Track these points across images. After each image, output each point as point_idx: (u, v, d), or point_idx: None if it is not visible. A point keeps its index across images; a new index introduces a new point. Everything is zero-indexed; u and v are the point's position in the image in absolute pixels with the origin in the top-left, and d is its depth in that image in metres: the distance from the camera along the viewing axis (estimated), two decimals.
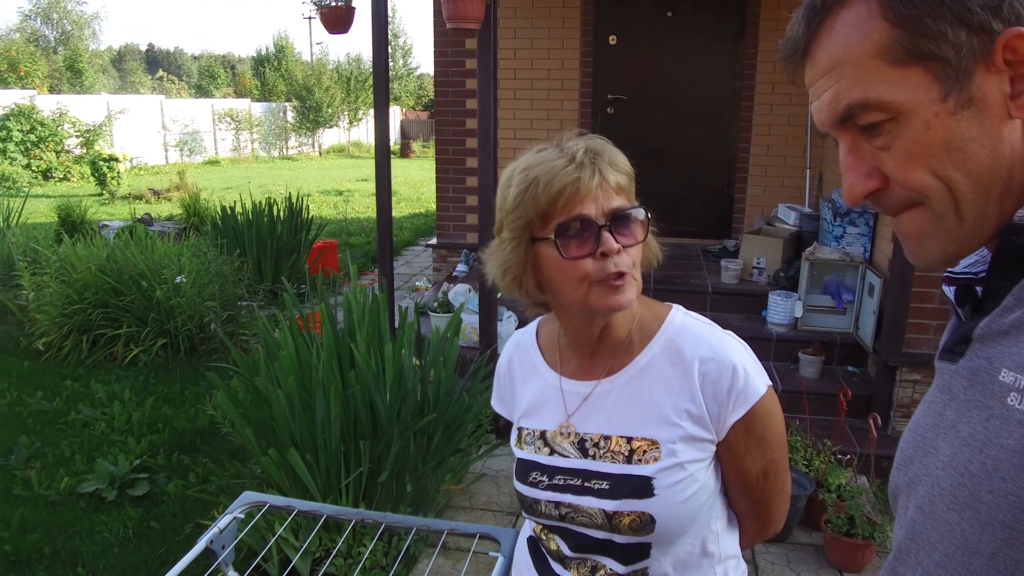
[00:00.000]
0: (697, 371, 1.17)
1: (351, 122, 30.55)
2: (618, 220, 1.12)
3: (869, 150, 0.68)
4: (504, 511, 3.58)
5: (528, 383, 1.34)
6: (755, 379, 1.17)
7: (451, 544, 3.28)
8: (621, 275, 1.12)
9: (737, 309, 5.10)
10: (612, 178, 1.13)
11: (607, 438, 1.21)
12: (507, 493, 3.73)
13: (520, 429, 1.33)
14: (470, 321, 4.62)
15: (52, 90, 28.72)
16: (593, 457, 1.21)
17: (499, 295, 4.50)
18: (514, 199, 1.14)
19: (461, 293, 5.22)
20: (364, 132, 31.35)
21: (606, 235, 1.11)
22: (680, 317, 1.24)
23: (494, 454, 3.94)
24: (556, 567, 1.27)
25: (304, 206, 7.96)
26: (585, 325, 1.22)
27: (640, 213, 1.15)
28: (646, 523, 1.15)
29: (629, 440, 1.19)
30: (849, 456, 3.58)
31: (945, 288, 0.75)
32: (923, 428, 0.73)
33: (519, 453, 1.31)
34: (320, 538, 3.13)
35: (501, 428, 4.19)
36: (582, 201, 1.11)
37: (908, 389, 4.10)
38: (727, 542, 1.26)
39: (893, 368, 4.10)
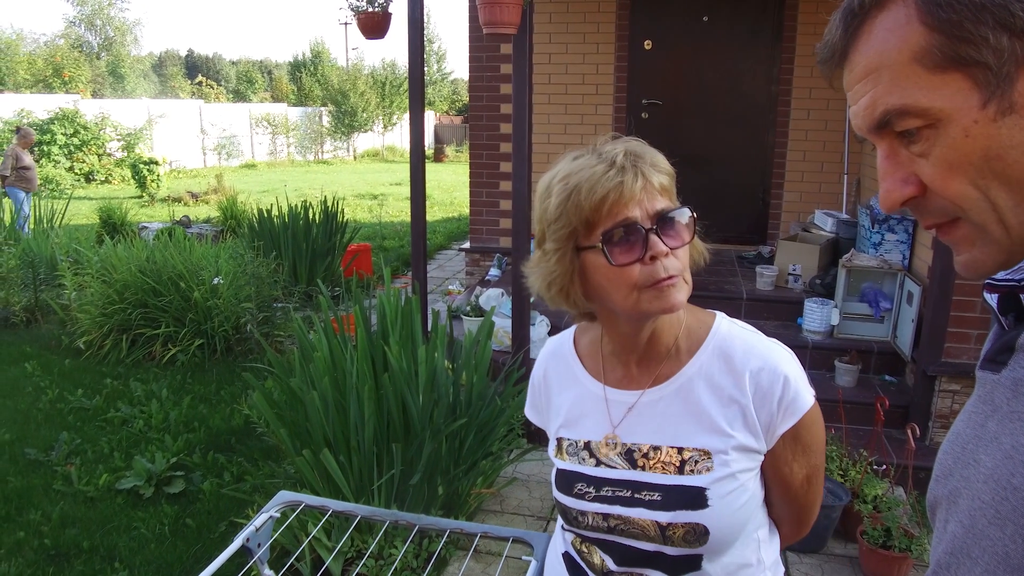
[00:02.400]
0: (749, 381, 1.15)
1: (385, 127, 30.83)
2: (664, 222, 1.11)
3: (907, 156, 0.66)
4: (535, 516, 3.57)
5: (566, 392, 1.31)
6: (804, 389, 1.17)
7: (481, 547, 3.28)
8: (670, 277, 1.11)
9: (772, 316, 5.05)
10: (655, 179, 1.11)
11: (656, 448, 1.19)
12: (538, 498, 3.73)
13: (560, 439, 1.30)
14: (502, 325, 4.63)
15: (95, 95, 29.37)
16: (643, 468, 1.19)
17: (532, 299, 4.51)
18: (556, 209, 1.12)
19: (493, 297, 5.23)
20: (398, 137, 31.60)
21: (653, 239, 1.09)
22: (726, 325, 1.22)
23: (525, 459, 3.94)
24: None
25: (339, 210, 8.04)
26: (633, 332, 1.20)
27: (686, 214, 1.13)
28: (700, 534, 1.14)
29: (680, 450, 1.17)
30: (885, 467, 3.53)
31: (987, 295, 0.73)
32: (963, 439, 0.71)
33: (560, 464, 1.28)
34: (352, 539, 3.15)
35: (533, 433, 4.18)
36: (626, 206, 1.09)
37: (947, 399, 4.02)
38: (769, 549, 1.26)
39: (932, 378, 4.03)
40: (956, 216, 0.66)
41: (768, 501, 1.25)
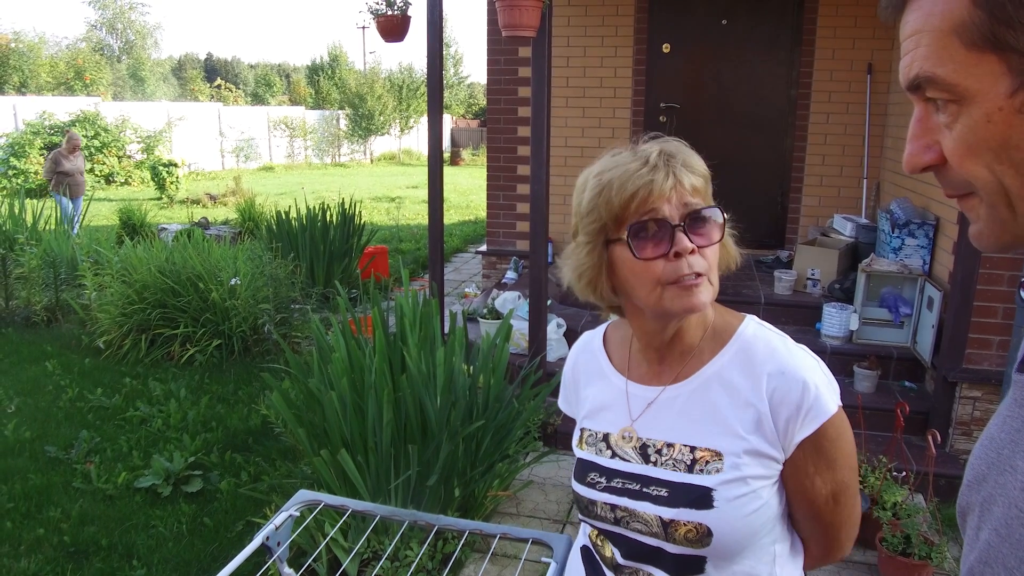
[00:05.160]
0: (766, 384, 1.14)
1: (402, 130, 30.92)
2: (693, 220, 1.11)
3: (936, 123, 0.65)
4: (551, 519, 3.57)
5: (592, 385, 1.33)
6: (826, 397, 1.13)
7: (497, 550, 3.28)
8: (696, 275, 1.11)
9: (790, 321, 5.01)
10: (687, 180, 1.12)
11: (670, 445, 1.19)
12: (554, 501, 3.72)
13: (583, 430, 1.32)
14: (519, 327, 4.63)
15: (116, 97, 29.66)
16: (655, 463, 1.19)
17: (548, 302, 4.50)
18: (588, 203, 1.15)
19: (510, 300, 5.23)
20: (415, 140, 31.70)
21: (679, 235, 1.10)
22: (753, 327, 1.22)
23: (542, 462, 3.93)
24: None
25: (356, 212, 8.07)
26: (658, 328, 1.21)
27: (716, 213, 1.14)
28: (703, 535, 1.13)
29: (692, 449, 1.17)
30: (905, 473, 3.50)
31: (1023, 294, 0.72)
32: (998, 444, 0.68)
33: (580, 454, 1.30)
34: (368, 540, 3.16)
35: (549, 436, 4.18)
36: (656, 202, 1.10)
37: (968, 406, 3.98)
38: (788, 567, 1.22)
39: (953, 384, 3.99)
40: (970, 191, 0.65)
41: (794, 517, 1.23)
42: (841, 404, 1.16)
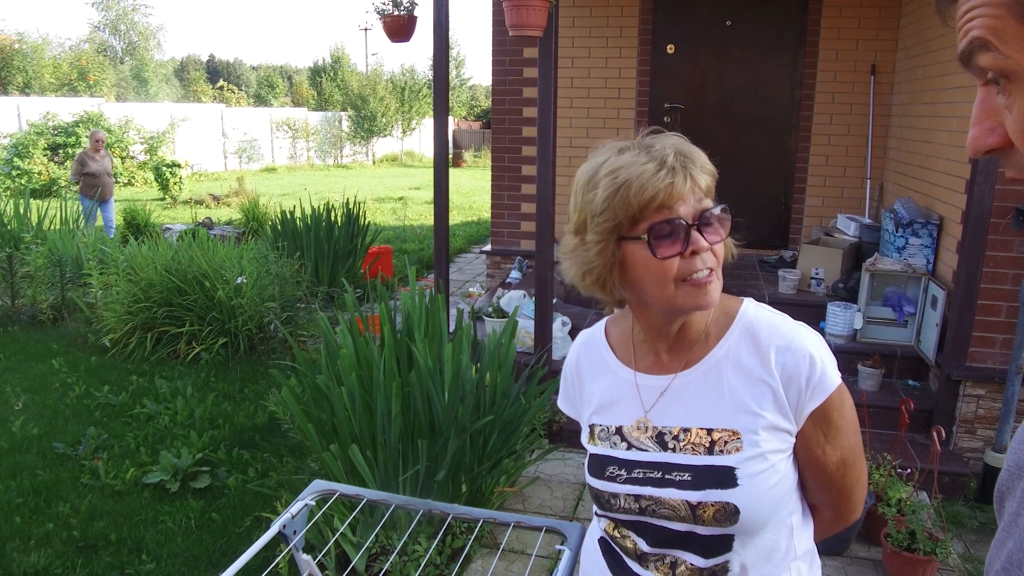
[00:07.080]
0: (775, 360, 1.18)
1: (404, 132, 30.97)
2: (705, 219, 1.15)
3: (998, 105, 0.64)
4: (557, 515, 3.58)
5: (598, 380, 1.34)
6: (830, 369, 1.19)
7: (505, 545, 3.30)
8: (709, 273, 1.15)
9: (794, 319, 5.02)
10: (702, 181, 1.16)
11: (687, 430, 1.22)
12: (560, 497, 3.74)
13: (592, 426, 1.33)
14: (524, 325, 4.65)
15: (119, 99, 29.72)
16: (673, 450, 1.22)
17: (554, 300, 4.52)
18: (603, 202, 1.15)
19: (516, 299, 5.26)
20: (417, 141, 31.76)
21: (695, 235, 1.14)
22: (753, 308, 1.26)
23: (547, 458, 3.96)
24: (633, 565, 1.27)
25: (360, 212, 8.10)
26: (665, 322, 1.23)
27: (724, 211, 1.18)
28: (731, 513, 1.16)
29: (710, 431, 1.20)
30: (909, 471, 3.51)
31: None
32: None
33: (592, 449, 1.31)
34: (376, 536, 3.18)
35: (555, 433, 4.20)
36: (674, 203, 1.13)
37: (972, 404, 4.00)
38: (802, 537, 1.27)
39: (956, 382, 4.01)
40: None
41: (805, 487, 1.27)
42: (840, 375, 1.21)
